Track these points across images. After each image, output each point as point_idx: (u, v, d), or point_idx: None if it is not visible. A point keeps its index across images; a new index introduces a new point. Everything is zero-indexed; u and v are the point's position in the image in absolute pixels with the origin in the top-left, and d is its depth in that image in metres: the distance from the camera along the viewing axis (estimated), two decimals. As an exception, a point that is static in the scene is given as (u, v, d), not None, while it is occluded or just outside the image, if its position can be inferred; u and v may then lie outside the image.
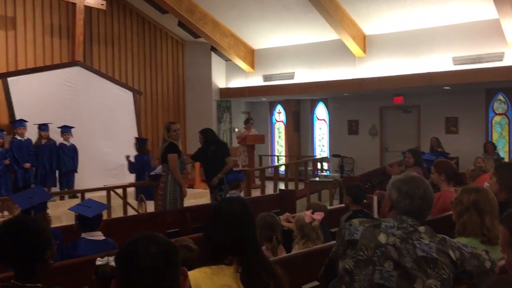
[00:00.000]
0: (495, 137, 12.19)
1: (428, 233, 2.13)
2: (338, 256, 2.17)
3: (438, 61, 10.89)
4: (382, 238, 2.07)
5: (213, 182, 6.93)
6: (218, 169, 6.92)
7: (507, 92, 11.96)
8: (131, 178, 9.37)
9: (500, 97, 12.16)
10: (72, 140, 9.58)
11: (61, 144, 9.39)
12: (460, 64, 10.64)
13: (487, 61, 10.30)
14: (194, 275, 1.89)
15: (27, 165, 8.85)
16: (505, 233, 1.74)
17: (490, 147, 10.89)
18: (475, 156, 8.81)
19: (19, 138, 8.88)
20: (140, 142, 9.45)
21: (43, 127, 9.15)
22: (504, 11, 9.12)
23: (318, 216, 3.92)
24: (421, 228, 2.14)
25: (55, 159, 9.23)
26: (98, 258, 2.37)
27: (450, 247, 2.10)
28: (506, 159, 11.36)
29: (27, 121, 8.96)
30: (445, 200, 4.42)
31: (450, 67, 10.76)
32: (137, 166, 8.98)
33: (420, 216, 2.19)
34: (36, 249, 2.14)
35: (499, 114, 12.23)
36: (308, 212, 3.96)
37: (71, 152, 9.48)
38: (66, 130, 9.45)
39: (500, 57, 10.21)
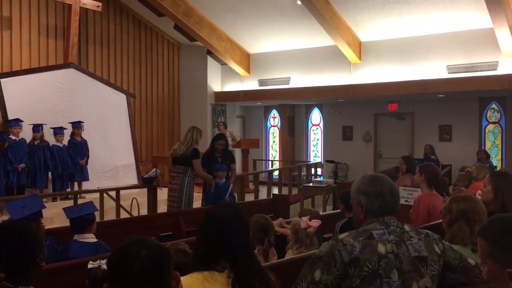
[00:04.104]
0: (488, 145, 12.26)
1: (413, 230, 2.15)
2: (339, 280, 2.02)
3: (433, 69, 10.95)
4: (381, 248, 2.03)
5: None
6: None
7: (501, 101, 12.05)
8: (124, 180, 9.32)
9: (494, 105, 12.25)
10: (65, 142, 9.53)
11: (53, 145, 9.32)
12: (454, 73, 10.71)
13: (481, 70, 10.38)
14: (185, 281, 1.87)
15: (22, 165, 8.81)
16: (483, 244, 1.77)
17: (482, 155, 10.94)
18: (467, 164, 8.87)
19: (14, 137, 8.82)
20: None
21: (36, 128, 9.11)
22: (499, 21, 9.19)
23: (315, 223, 3.91)
24: (406, 227, 2.15)
25: (48, 160, 9.18)
26: (90, 262, 2.36)
27: (434, 241, 2.15)
28: (499, 168, 11.42)
29: (23, 121, 8.94)
30: (425, 205, 4.44)
31: (444, 75, 10.82)
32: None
33: (394, 212, 2.18)
34: (30, 252, 2.16)
35: (493, 123, 12.31)
36: (306, 218, 3.97)
37: (64, 153, 9.39)
38: (58, 131, 9.39)
39: (494, 66, 10.28)
